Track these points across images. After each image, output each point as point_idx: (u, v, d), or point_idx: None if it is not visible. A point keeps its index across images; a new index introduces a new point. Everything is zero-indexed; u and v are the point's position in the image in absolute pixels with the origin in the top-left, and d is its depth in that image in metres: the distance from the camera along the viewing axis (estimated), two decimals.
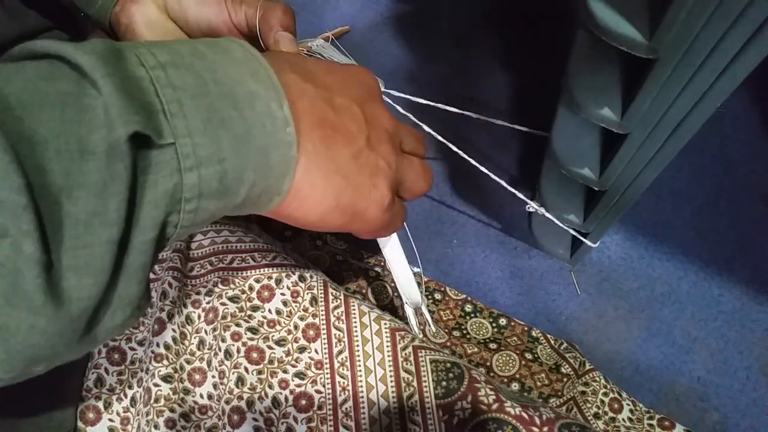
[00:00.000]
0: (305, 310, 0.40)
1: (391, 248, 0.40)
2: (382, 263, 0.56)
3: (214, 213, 0.24)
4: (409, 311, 0.44)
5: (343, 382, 0.37)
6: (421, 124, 0.42)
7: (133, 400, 0.39)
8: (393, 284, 0.54)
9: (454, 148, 0.43)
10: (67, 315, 0.19)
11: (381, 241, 0.39)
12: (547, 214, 0.46)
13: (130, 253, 0.20)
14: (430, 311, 0.54)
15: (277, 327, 0.39)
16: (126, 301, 0.21)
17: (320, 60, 0.29)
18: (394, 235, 0.40)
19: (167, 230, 0.22)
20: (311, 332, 0.39)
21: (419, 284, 0.55)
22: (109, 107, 0.19)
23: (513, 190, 0.45)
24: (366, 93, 0.30)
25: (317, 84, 0.27)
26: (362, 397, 0.37)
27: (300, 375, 0.37)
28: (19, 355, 0.19)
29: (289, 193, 0.26)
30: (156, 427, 0.37)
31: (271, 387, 0.37)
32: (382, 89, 0.38)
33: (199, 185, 0.22)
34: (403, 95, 0.41)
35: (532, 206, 0.47)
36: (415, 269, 0.57)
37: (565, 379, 0.49)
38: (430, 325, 0.42)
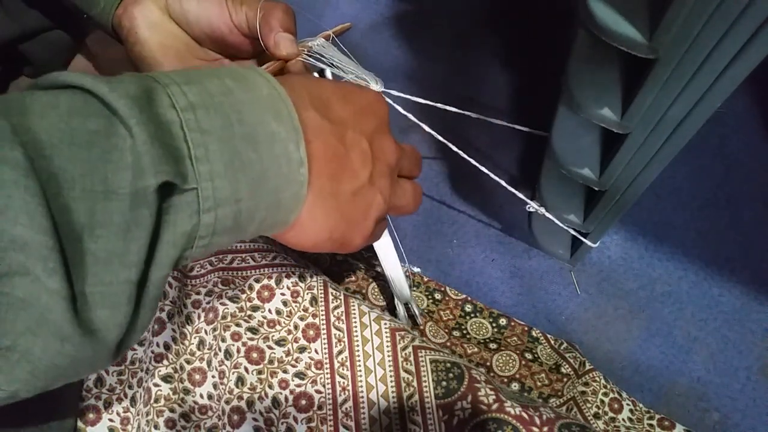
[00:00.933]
0: (305, 310, 0.40)
1: (383, 246, 0.41)
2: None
3: (222, 245, 0.25)
4: (400, 306, 0.46)
5: (343, 382, 0.37)
6: (421, 124, 0.42)
7: (133, 400, 0.39)
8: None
9: (455, 148, 0.43)
10: (103, 343, 0.20)
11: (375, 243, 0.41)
12: (547, 214, 0.46)
13: (147, 289, 0.22)
14: (429, 311, 0.54)
15: (277, 327, 0.39)
16: (143, 326, 0.23)
17: (338, 86, 0.30)
18: (386, 235, 0.41)
19: (179, 263, 0.23)
20: (311, 332, 0.39)
21: (408, 278, 0.55)
22: (143, 155, 0.20)
23: (513, 190, 0.45)
24: (377, 125, 0.31)
25: (333, 119, 0.28)
26: (362, 397, 0.37)
27: (300, 375, 0.37)
28: (42, 376, 0.20)
29: (292, 225, 0.27)
30: (156, 427, 0.37)
31: (271, 387, 0.37)
32: (382, 89, 0.38)
33: (214, 225, 0.23)
34: (402, 95, 0.41)
35: (533, 206, 0.47)
36: (415, 269, 0.57)
37: (565, 379, 0.49)
38: (417, 318, 0.44)
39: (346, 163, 0.28)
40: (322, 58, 0.37)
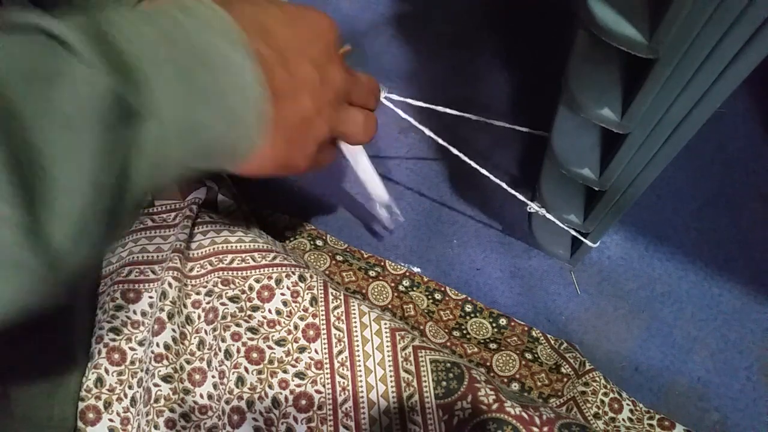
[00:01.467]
0: (305, 310, 0.40)
1: (354, 152, 0.40)
2: (382, 263, 0.56)
3: (188, 171, 0.26)
4: (381, 210, 0.45)
5: (343, 382, 0.37)
6: (422, 127, 0.42)
7: (133, 400, 0.39)
8: (393, 284, 0.54)
9: (455, 151, 0.43)
10: (58, 278, 0.20)
11: (344, 148, 0.40)
12: (548, 215, 0.46)
13: (120, 215, 0.22)
14: (429, 311, 0.54)
15: (277, 327, 0.39)
16: (109, 248, 0.24)
17: (282, 9, 0.30)
18: (361, 150, 0.41)
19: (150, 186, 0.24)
20: (311, 332, 0.39)
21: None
22: (87, 69, 0.20)
23: (513, 192, 0.45)
24: (323, 50, 0.31)
25: (276, 46, 0.28)
26: (362, 397, 0.37)
27: (300, 375, 0.37)
28: (4, 309, 0.20)
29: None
30: (156, 427, 0.37)
31: (271, 387, 0.37)
32: (385, 95, 0.38)
33: (181, 147, 0.24)
34: (403, 99, 0.40)
35: (533, 207, 0.47)
36: (415, 269, 0.57)
37: (565, 379, 0.49)
38: (398, 217, 0.45)
39: (290, 91, 0.28)
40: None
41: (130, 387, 0.40)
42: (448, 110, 0.43)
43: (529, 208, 0.47)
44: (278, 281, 0.40)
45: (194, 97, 0.24)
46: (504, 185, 0.44)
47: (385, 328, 0.39)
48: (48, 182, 0.19)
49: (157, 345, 0.39)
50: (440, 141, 0.43)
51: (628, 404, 0.48)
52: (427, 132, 0.42)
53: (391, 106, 0.39)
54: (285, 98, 0.28)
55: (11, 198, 0.18)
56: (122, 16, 0.23)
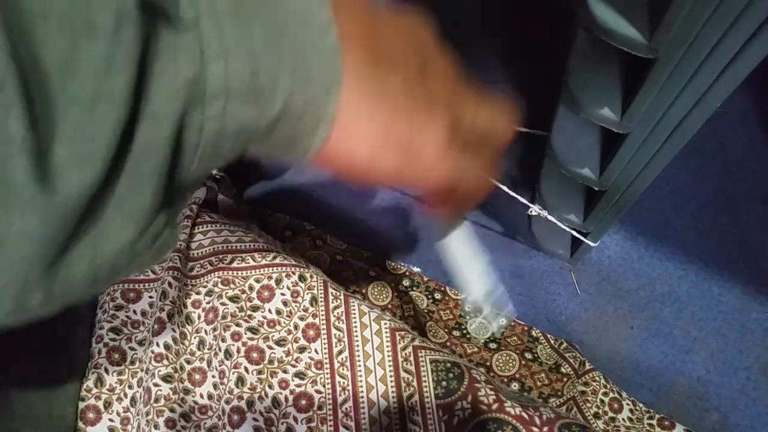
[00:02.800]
0: (305, 310, 0.40)
1: (458, 234, 0.33)
2: (382, 263, 0.56)
3: (244, 125, 0.20)
4: (485, 308, 0.34)
5: (343, 382, 0.37)
6: None
7: (133, 400, 0.39)
8: (393, 284, 0.54)
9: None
10: (62, 213, 0.16)
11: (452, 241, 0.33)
12: (550, 217, 0.46)
13: (140, 149, 0.17)
14: (429, 311, 0.54)
15: (277, 327, 0.39)
16: (137, 212, 0.18)
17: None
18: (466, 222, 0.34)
19: (189, 133, 0.19)
20: (311, 332, 0.39)
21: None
22: None
23: (515, 195, 0.44)
24: (420, 26, 0.25)
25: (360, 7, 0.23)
26: (362, 397, 0.37)
27: (300, 375, 0.37)
28: (10, 271, 0.16)
29: (335, 122, 0.22)
30: (156, 427, 0.37)
31: (271, 387, 0.37)
32: None
33: (225, 78, 0.18)
34: None
35: (534, 210, 0.47)
36: (415, 269, 0.57)
37: (565, 379, 0.49)
38: (510, 313, 0.35)
39: (384, 46, 0.23)
40: None
41: (130, 387, 0.40)
42: None
43: (530, 211, 0.47)
44: (278, 281, 0.40)
45: (245, 16, 0.19)
46: (505, 188, 0.44)
47: (385, 328, 0.39)
48: (56, 94, 0.16)
49: (157, 345, 0.39)
50: None
51: (628, 404, 0.48)
52: None
53: None
54: (371, 50, 0.22)
55: (23, 113, 0.15)
56: None
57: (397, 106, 0.23)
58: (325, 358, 0.38)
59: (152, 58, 0.17)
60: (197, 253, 0.43)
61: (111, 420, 0.39)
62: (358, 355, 0.38)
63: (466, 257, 0.33)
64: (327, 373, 0.37)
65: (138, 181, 0.18)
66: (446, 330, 0.52)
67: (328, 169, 0.23)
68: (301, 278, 0.41)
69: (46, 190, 0.16)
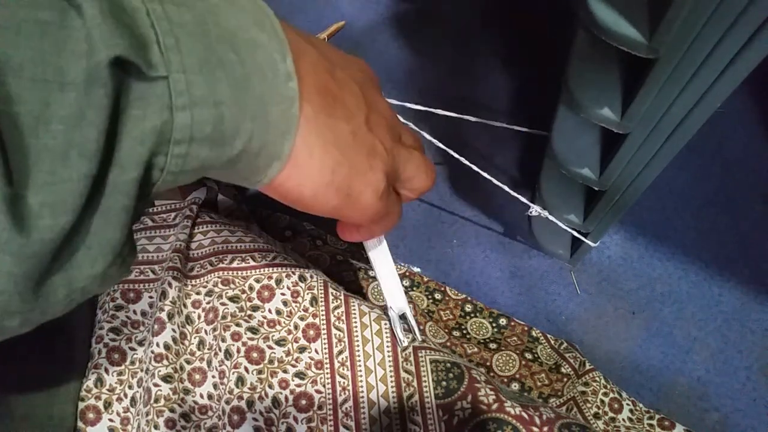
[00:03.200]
0: (305, 310, 0.40)
1: (378, 250, 0.39)
2: None
3: (205, 163, 0.22)
4: (394, 316, 0.41)
5: (344, 382, 0.37)
6: (422, 132, 0.42)
7: (133, 400, 0.39)
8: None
9: (456, 155, 0.43)
10: (35, 253, 0.18)
11: (368, 243, 0.38)
12: (550, 217, 0.46)
13: (109, 192, 0.19)
14: (429, 311, 0.54)
15: (277, 327, 0.39)
16: (106, 247, 0.20)
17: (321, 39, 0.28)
18: (382, 237, 0.39)
19: (153, 173, 0.20)
20: (311, 332, 0.39)
21: (404, 284, 0.55)
22: (92, 30, 0.17)
23: (516, 195, 0.44)
24: (367, 79, 0.29)
25: (320, 52, 0.25)
26: (362, 397, 0.37)
27: (300, 375, 0.37)
28: None
29: (288, 161, 0.24)
30: (156, 427, 0.37)
31: (271, 387, 0.37)
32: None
33: (191, 127, 0.20)
34: (398, 102, 0.40)
35: (536, 210, 0.47)
36: (415, 269, 0.57)
37: (565, 379, 0.49)
38: (415, 334, 0.40)
39: (337, 96, 0.25)
40: None
41: (130, 387, 0.40)
42: (445, 113, 0.43)
43: (530, 212, 0.47)
44: (278, 281, 0.40)
45: (213, 70, 0.20)
46: (506, 188, 0.44)
47: (386, 328, 0.39)
48: (29, 145, 0.17)
49: (157, 345, 0.39)
50: (440, 145, 0.43)
51: (628, 404, 0.48)
52: (427, 136, 0.42)
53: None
54: (328, 102, 0.25)
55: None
56: None
57: (343, 153, 0.25)
58: (326, 358, 0.38)
59: (122, 108, 0.19)
60: (197, 254, 0.43)
61: (111, 420, 0.39)
62: (359, 355, 0.38)
63: (388, 270, 0.39)
64: (327, 373, 0.37)
65: (107, 219, 0.19)
66: (446, 330, 0.52)
67: (275, 196, 0.26)
68: (301, 278, 0.41)
69: (21, 233, 0.17)
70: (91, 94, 0.18)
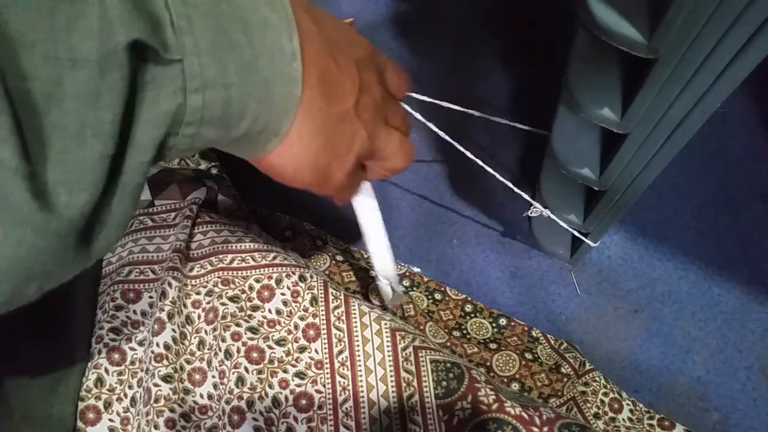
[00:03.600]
0: (305, 310, 0.40)
1: (368, 212, 0.37)
2: None
3: (210, 141, 0.23)
4: (382, 284, 0.40)
5: (344, 382, 0.37)
6: (427, 122, 0.42)
7: (133, 400, 0.39)
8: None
9: (461, 148, 0.43)
10: (56, 229, 0.18)
11: (358, 205, 0.38)
12: (552, 216, 0.46)
13: (125, 172, 0.20)
14: (429, 311, 0.54)
15: (277, 327, 0.39)
16: (120, 220, 0.21)
17: (328, 13, 0.29)
18: (373, 201, 0.38)
19: (162, 152, 0.21)
20: (311, 332, 0.39)
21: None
22: (109, 10, 0.18)
23: (521, 193, 0.44)
24: (366, 56, 0.29)
25: (324, 33, 0.26)
26: (362, 396, 0.37)
27: (300, 375, 0.37)
28: (7, 273, 0.18)
29: (283, 139, 0.26)
30: (156, 427, 0.37)
31: (271, 387, 0.37)
32: None
33: (202, 110, 0.21)
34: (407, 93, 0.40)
35: (539, 209, 0.46)
36: (415, 269, 0.57)
37: (565, 379, 0.49)
38: (400, 297, 0.39)
39: (335, 81, 0.26)
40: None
41: (130, 387, 0.40)
42: (450, 105, 0.43)
43: (532, 212, 0.47)
44: (278, 281, 0.40)
45: (224, 52, 0.21)
46: (509, 184, 0.44)
47: (386, 328, 0.39)
48: (43, 123, 0.17)
49: (157, 345, 0.39)
50: (442, 134, 0.43)
51: (628, 404, 0.48)
52: (431, 126, 0.42)
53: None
54: (325, 86, 0.26)
55: (10, 137, 0.16)
56: None
57: (329, 139, 0.27)
58: (326, 358, 0.38)
59: (138, 92, 0.19)
60: (197, 254, 0.43)
61: (111, 420, 0.39)
62: (359, 355, 0.38)
63: (374, 224, 0.38)
64: (327, 373, 0.37)
65: (122, 197, 0.20)
66: (446, 330, 0.52)
67: (256, 165, 0.28)
68: (301, 278, 0.41)
69: (41, 209, 0.17)
70: (107, 77, 0.18)
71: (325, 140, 0.27)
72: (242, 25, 0.22)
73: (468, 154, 0.43)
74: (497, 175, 0.44)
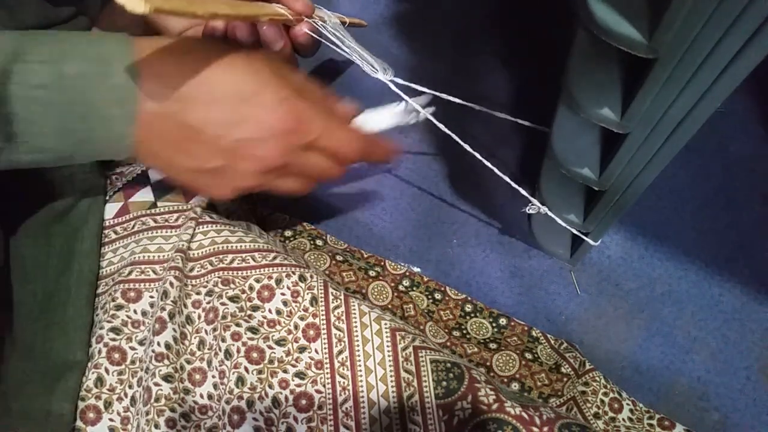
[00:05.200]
0: (305, 310, 0.40)
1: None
2: (382, 263, 0.56)
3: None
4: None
5: (344, 382, 0.37)
6: (429, 114, 0.42)
7: (133, 400, 0.39)
8: (393, 284, 0.54)
9: (466, 146, 0.43)
10: None
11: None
12: (550, 214, 0.46)
13: None
14: (429, 311, 0.54)
15: (278, 327, 0.39)
16: None
17: (244, 87, 0.33)
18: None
19: None
20: (311, 332, 0.39)
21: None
22: None
23: (519, 188, 0.44)
24: (255, 138, 0.33)
25: (186, 103, 0.31)
26: (362, 396, 0.37)
27: (300, 375, 0.37)
28: None
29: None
30: (156, 426, 0.37)
31: (271, 387, 0.37)
32: (392, 77, 0.38)
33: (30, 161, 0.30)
34: (406, 83, 0.41)
35: (536, 206, 0.46)
36: (415, 269, 0.57)
37: (565, 379, 0.49)
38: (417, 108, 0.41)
39: (181, 145, 0.32)
40: (333, 32, 0.37)
41: (130, 386, 0.40)
42: (451, 98, 0.43)
43: (530, 208, 0.47)
44: (278, 281, 0.40)
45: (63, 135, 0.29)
46: (507, 178, 0.44)
47: (386, 328, 0.39)
48: None
49: (158, 344, 0.39)
50: (445, 129, 0.43)
51: (628, 404, 0.48)
52: (437, 123, 0.42)
53: (399, 92, 0.39)
54: (167, 144, 0.32)
55: None
56: (36, 49, 0.28)
57: (180, 177, 0.35)
58: (326, 358, 0.38)
59: None
60: (197, 254, 0.43)
61: (111, 420, 0.39)
62: (359, 355, 0.38)
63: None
64: (327, 373, 0.37)
65: None
66: (446, 330, 0.52)
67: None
68: (301, 278, 0.41)
69: None
70: None
71: (177, 177, 0.34)
72: (84, 120, 0.29)
73: (467, 147, 0.43)
74: (496, 170, 0.44)
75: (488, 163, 0.43)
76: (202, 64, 0.32)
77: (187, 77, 0.31)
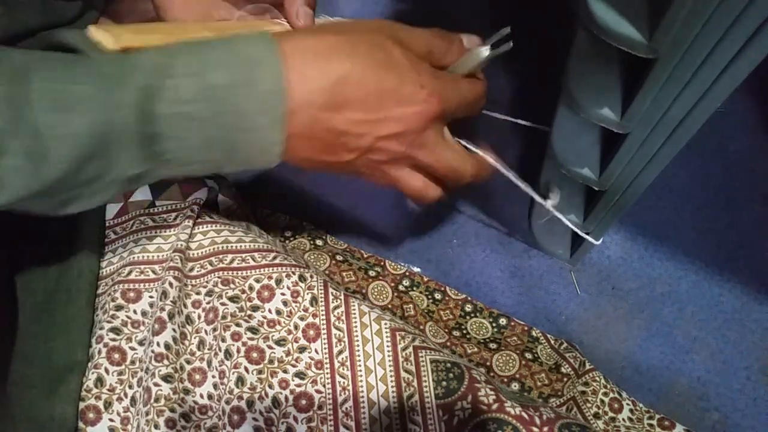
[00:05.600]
0: (305, 310, 0.40)
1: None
2: (382, 263, 0.56)
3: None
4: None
5: (344, 382, 0.37)
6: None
7: (133, 400, 0.39)
8: (393, 284, 0.54)
9: (473, 148, 0.43)
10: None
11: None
12: (557, 214, 0.46)
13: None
14: (429, 311, 0.54)
15: (277, 327, 0.39)
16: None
17: (380, 84, 0.32)
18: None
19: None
20: (311, 332, 0.39)
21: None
22: (125, 170, 0.29)
23: (525, 188, 0.44)
24: (395, 133, 0.33)
25: (328, 103, 0.30)
26: (362, 396, 0.37)
27: (300, 375, 0.37)
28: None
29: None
30: (156, 426, 0.37)
31: (271, 387, 0.37)
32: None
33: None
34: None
35: (553, 212, 0.46)
36: (416, 269, 0.57)
37: (565, 379, 0.49)
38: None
39: (326, 145, 0.32)
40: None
41: (130, 387, 0.40)
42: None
43: (549, 203, 0.46)
44: (278, 281, 0.40)
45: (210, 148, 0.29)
46: (512, 178, 0.43)
47: (386, 328, 0.39)
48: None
49: (158, 344, 0.39)
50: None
51: (628, 404, 0.48)
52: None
53: None
54: (312, 145, 0.32)
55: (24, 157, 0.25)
56: (180, 62, 0.27)
57: (319, 168, 0.34)
58: (326, 358, 0.38)
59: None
60: (197, 254, 0.43)
61: (111, 420, 0.39)
62: (359, 355, 0.38)
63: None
64: (327, 373, 0.37)
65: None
66: (446, 330, 0.52)
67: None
68: (301, 278, 0.41)
69: None
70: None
71: (317, 167, 0.34)
72: (231, 127, 0.29)
73: (472, 147, 0.43)
74: (501, 168, 0.43)
75: (499, 166, 0.43)
76: (343, 61, 0.30)
77: (329, 78, 0.30)
